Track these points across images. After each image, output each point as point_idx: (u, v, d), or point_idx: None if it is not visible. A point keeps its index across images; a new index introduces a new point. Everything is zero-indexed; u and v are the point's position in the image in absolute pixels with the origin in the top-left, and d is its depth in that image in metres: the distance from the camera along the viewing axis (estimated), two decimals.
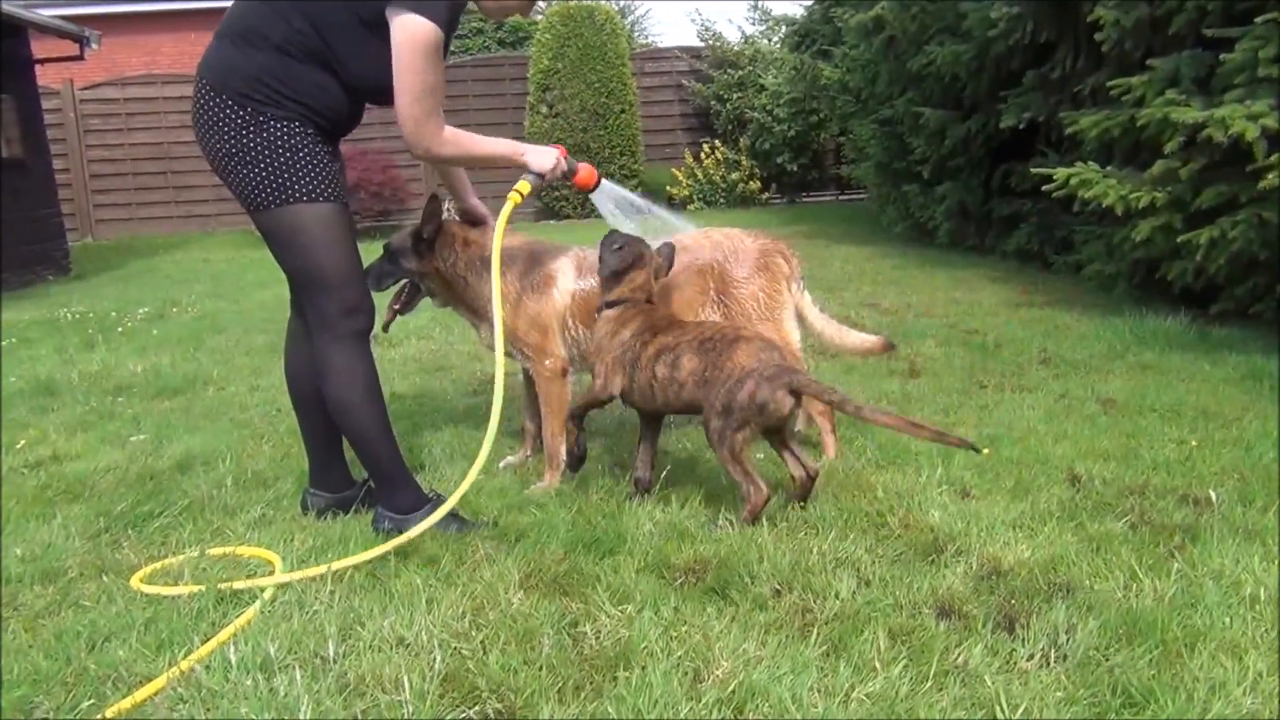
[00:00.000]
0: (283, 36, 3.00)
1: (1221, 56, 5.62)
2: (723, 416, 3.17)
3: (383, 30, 2.95)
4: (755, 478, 3.18)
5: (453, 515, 3.31)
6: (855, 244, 11.26)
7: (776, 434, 3.31)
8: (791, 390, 3.17)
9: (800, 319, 3.89)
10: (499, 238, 3.40)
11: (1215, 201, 5.69)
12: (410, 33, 2.92)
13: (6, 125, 12.66)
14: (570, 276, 3.74)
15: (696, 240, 3.85)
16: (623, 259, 3.49)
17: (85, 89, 17.88)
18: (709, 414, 3.21)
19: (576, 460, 3.55)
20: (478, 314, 3.76)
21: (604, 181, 3.62)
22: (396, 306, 3.81)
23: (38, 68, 14.01)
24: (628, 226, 3.68)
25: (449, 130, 3.13)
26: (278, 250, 3.18)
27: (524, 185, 3.46)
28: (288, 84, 3.02)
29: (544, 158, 3.43)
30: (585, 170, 3.54)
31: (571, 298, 3.72)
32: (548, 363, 3.73)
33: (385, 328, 3.71)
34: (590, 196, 3.67)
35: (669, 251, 3.59)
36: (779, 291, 3.79)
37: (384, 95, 3.07)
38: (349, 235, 3.21)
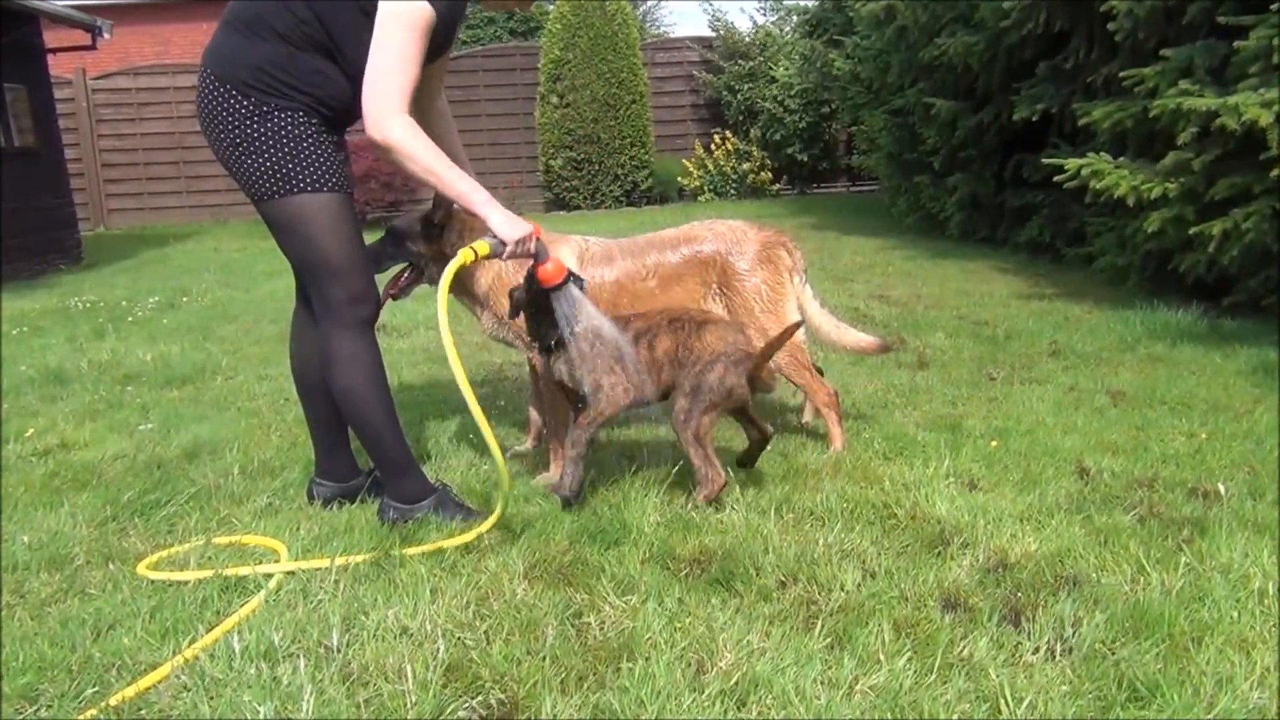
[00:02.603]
0: (287, 26, 3.00)
1: (1235, 44, 5.57)
2: (690, 398, 3.22)
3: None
4: (715, 461, 3.22)
5: (459, 505, 3.31)
6: (866, 235, 11.22)
7: (740, 411, 3.39)
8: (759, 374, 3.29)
9: (800, 313, 3.87)
10: (443, 295, 3.01)
11: (1228, 193, 5.65)
12: (396, 10, 2.90)
13: (19, 114, 12.71)
14: (572, 265, 3.73)
15: (699, 232, 3.83)
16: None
17: (97, 78, 17.93)
18: (678, 394, 3.26)
19: (577, 494, 3.29)
20: (478, 300, 3.74)
21: (570, 286, 3.19)
22: (392, 291, 3.78)
23: (50, 57, 14.06)
24: (567, 333, 3.26)
25: (417, 132, 2.96)
26: (283, 240, 3.19)
27: (482, 246, 3.09)
28: (292, 74, 3.02)
29: (513, 227, 3.06)
30: (555, 264, 3.16)
31: None
32: None
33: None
34: (550, 294, 3.20)
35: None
36: (781, 284, 3.77)
37: None
38: (353, 225, 3.20)
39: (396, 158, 2.98)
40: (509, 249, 3.08)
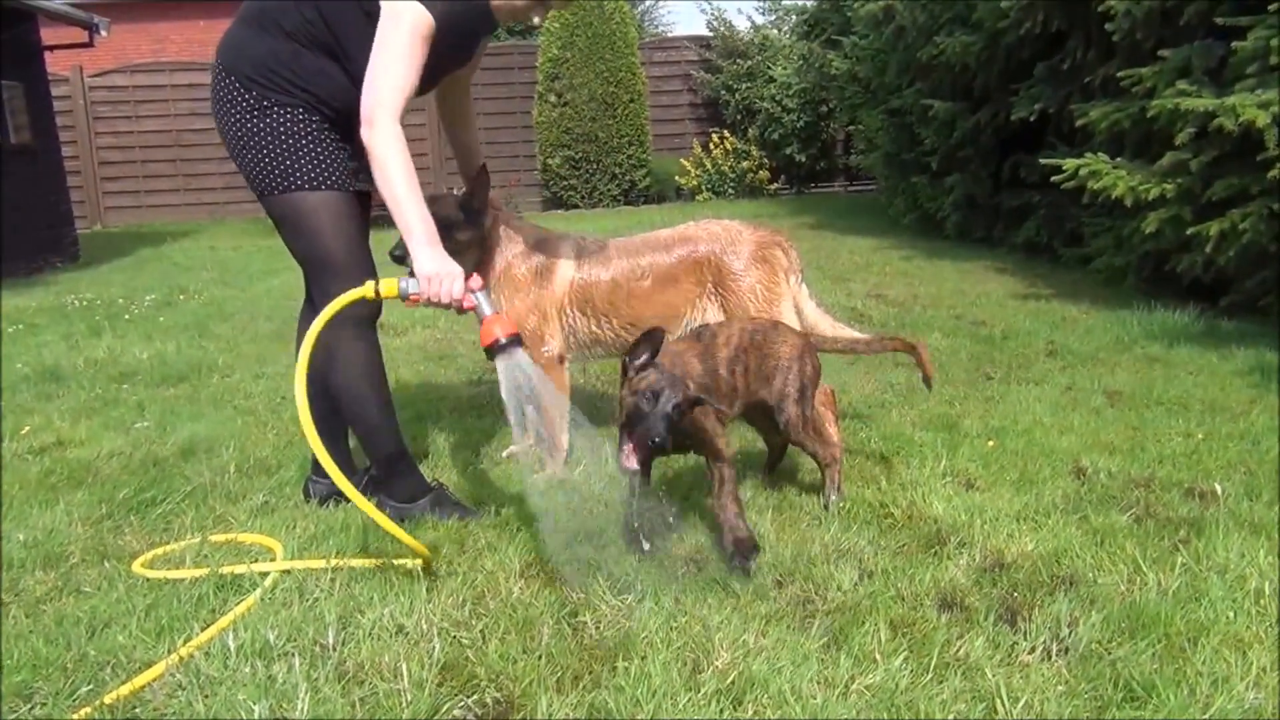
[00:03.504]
0: (293, 24, 3.02)
1: (1233, 45, 5.57)
2: (799, 402, 3.18)
3: None
4: (830, 439, 3.34)
5: (455, 504, 3.31)
6: (863, 235, 11.21)
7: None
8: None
9: (796, 313, 3.87)
10: (310, 339, 2.75)
11: (1225, 193, 5.66)
12: (397, 8, 2.89)
13: (16, 112, 12.67)
14: (571, 264, 3.73)
15: (694, 232, 3.83)
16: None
17: (94, 76, 17.88)
18: (784, 403, 3.17)
19: (751, 549, 2.80)
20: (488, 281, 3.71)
21: (519, 353, 2.81)
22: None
23: (47, 54, 14.01)
24: (510, 406, 2.89)
25: (401, 148, 2.83)
26: (285, 236, 3.19)
27: (389, 287, 2.82)
28: (295, 71, 3.03)
29: (433, 267, 2.79)
30: (502, 326, 2.79)
31: (571, 285, 3.71)
32: (545, 349, 3.72)
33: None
34: (494, 360, 2.85)
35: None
36: (777, 284, 3.76)
37: None
38: (357, 222, 3.19)
39: (373, 164, 2.87)
40: (422, 290, 2.82)
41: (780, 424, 3.21)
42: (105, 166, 18.05)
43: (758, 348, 3.15)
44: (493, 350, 2.80)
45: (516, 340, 2.81)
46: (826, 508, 3.18)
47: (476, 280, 2.90)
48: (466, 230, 3.59)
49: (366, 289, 2.83)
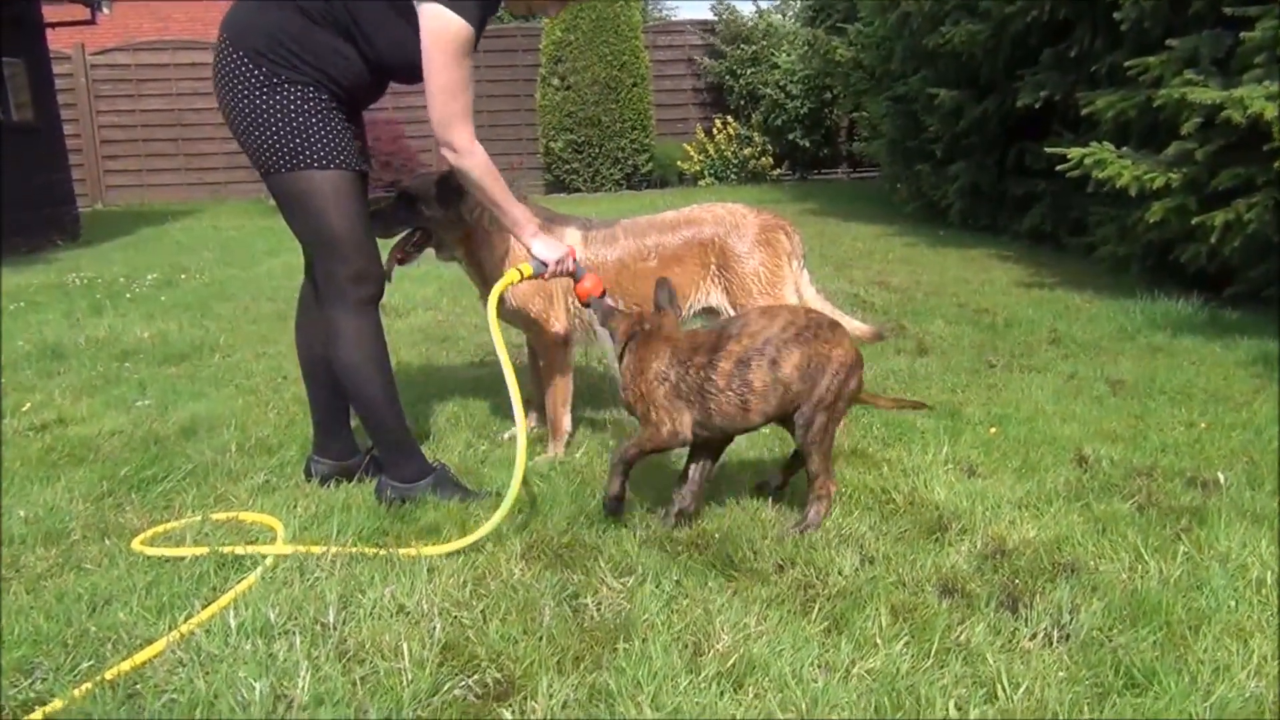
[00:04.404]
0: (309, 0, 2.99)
1: (1241, 35, 5.55)
2: (829, 410, 2.92)
3: (411, 16, 2.94)
4: (833, 473, 3.02)
5: (457, 485, 3.31)
6: (866, 222, 11.19)
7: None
8: None
9: (797, 297, 3.86)
10: (493, 315, 3.20)
11: (1231, 183, 5.64)
12: (438, 28, 2.90)
13: (17, 89, 12.63)
14: (577, 245, 3.71)
15: (698, 214, 3.82)
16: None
17: (96, 54, 17.82)
18: (812, 409, 2.91)
19: (616, 502, 3.00)
20: (484, 270, 3.71)
21: (606, 299, 3.29)
22: (399, 255, 3.73)
23: (49, 31, 13.96)
24: (609, 355, 3.42)
25: (483, 156, 3.07)
26: (288, 215, 3.18)
27: (527, 268, 3.26)
28: (306, 47, 3.00)
29: (550, 250, 3.24)
30: (592, 280, 3.30)
31: None
32: (550, 331, 3.71)
33: (387, 276, 3.53)
34: (588, 306, 3.34)
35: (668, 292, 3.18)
36: (780, 267, 3.75)
37: (405, 74, 3.09)
38: (361, 202, 3.18)
39: (470, 185, 3.15)
40: (550, 269, 3.24)
41: (798, 426, 2.95)
42: (107, 145, 18.02)
43: (816, 345, 2.92)
44: (589, 303, 3.30)
45: (605, 294, 3.30)
46: (801, 530, 2.90)
47: (573, 250, 3.34)
48: (437, 208, 3.60)
49: (513, 274, 3.22)
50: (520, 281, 3.27)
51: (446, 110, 2.97)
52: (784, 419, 2.99)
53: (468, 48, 2.95)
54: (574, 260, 3.29)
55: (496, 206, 3.17)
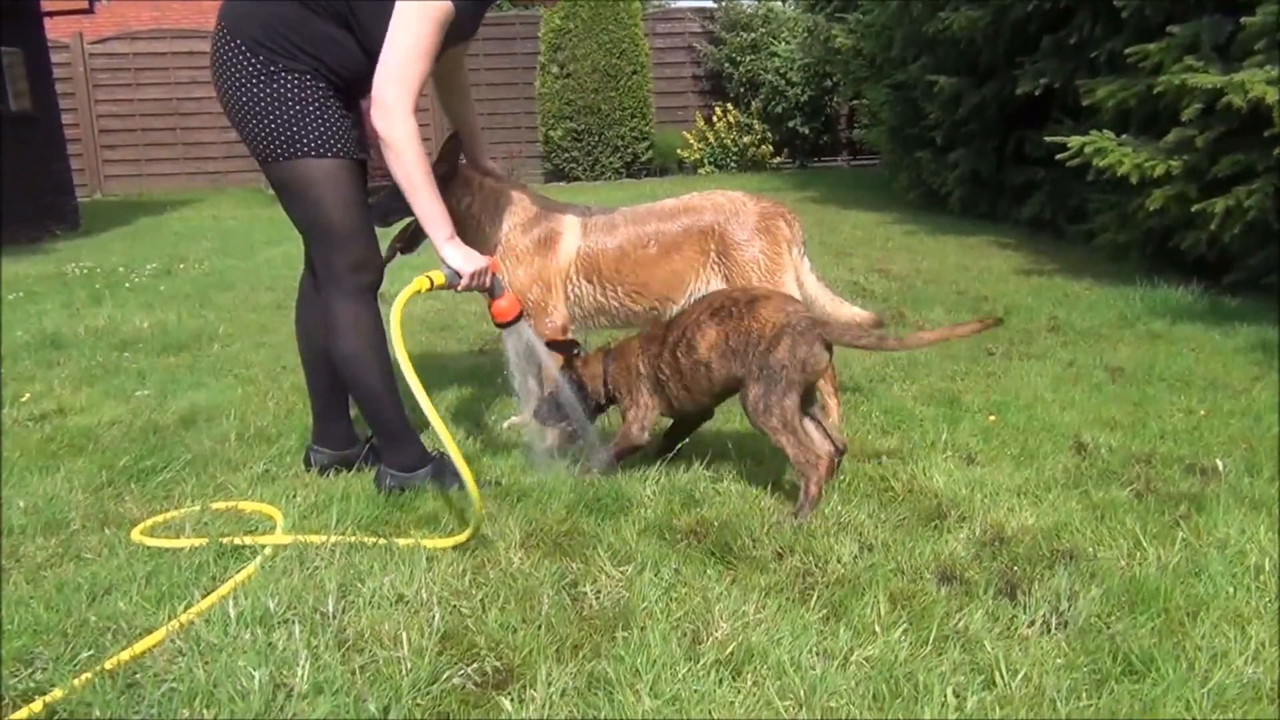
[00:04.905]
0: None
1: (1242, 20, 5.53)
2: (763, 383, 2.94)
3: None
4: (810, 445, 2.95)
5: (456, 474, 3.30)
6: (866, 209, 11.18)
7: (803, 402, 3.03)
8: (825, 344, 2.97)
9: (797, 285, 3.86)
10: (396, 317, 2.97)
11: (1231, 170, 5.63)
12: None
13: (15, 79, 12.59)
14: (575, 234, 3.71)
15: (698, 202, 3.81)
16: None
17: (94, 43, 17.77)
18: (747, 383, 2.97)
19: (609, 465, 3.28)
20: None
21: (522, 322, 3.22)
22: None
23: (47, 20, 13.91)
24: (516, 379, 3.44)
25: (413, 129, 2.92)
26: (286, 203, 3.17)
27: (438, 276, 3.06)
28: (303, 36, 2.99)
29: (464, 261, 3.04)
30: (509, 300, 3.16)
31: (576, 254, 3.69)
32: (549, 320, 3.71)
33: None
34: (502, 332, 3.28)
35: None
36: (780, 255, 3.75)
37: None
38: (359, 191, 3.17)
39: (389, 154, 2.93)
40: (464, 281, 3.05)
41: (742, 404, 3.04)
42: (105, 134, 17.98)
43: (731, 322, 3.01)
44: (507, 325, 3.15)
45: (520, 315, 3.16)
46: (796, 516, 2.89)
47: (494, 263, 3.16)
48: None
49: (421, 281, 3.03)
50: (431, 290, 3.07)
51: (399, 69, 2.88)
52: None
53: (444, 21, 2.89)
54: (493, 276, 3.12)
55: (411, 192, 2.97)
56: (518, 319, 3.17)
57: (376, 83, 2.91)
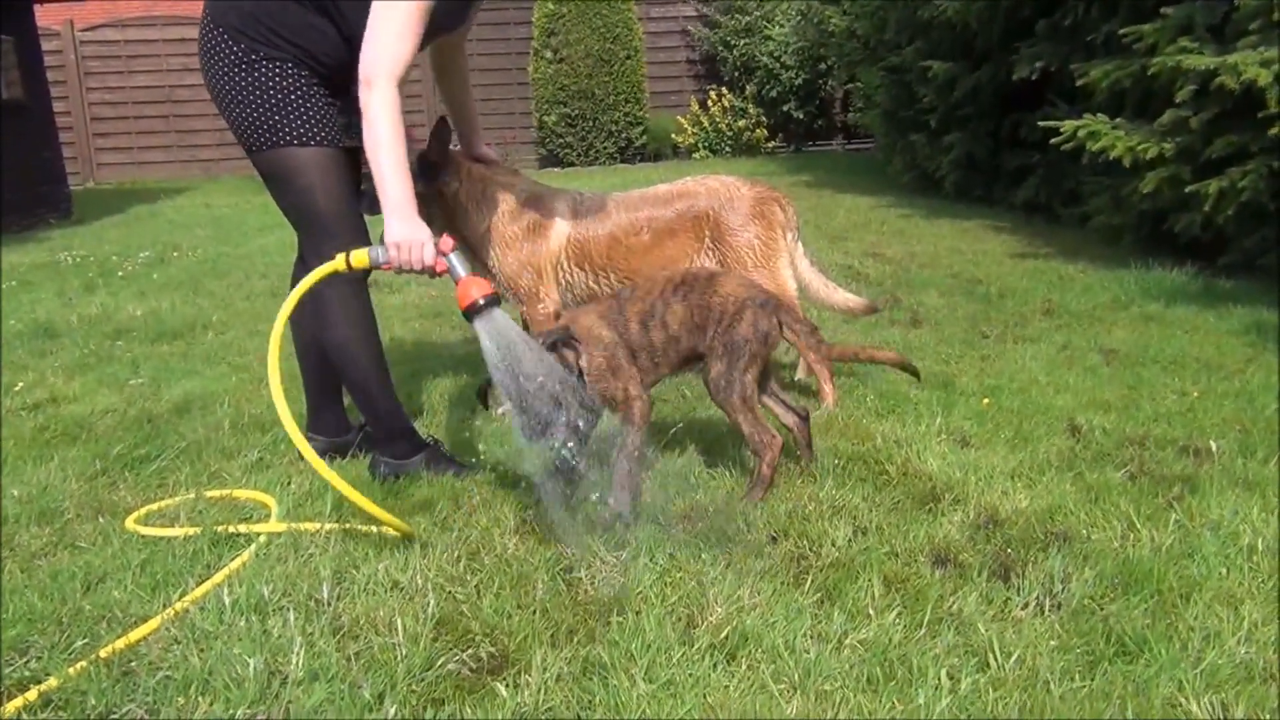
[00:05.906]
0: None
1: (1236, 2, 5.52)
2: (726, 359, 2.92)
3: None
4: (766, 425, 2.96)
5: (450, 461, 3.31)
6: (861, 193, 11.16)
7: (761, 378, 3.05)
8: (780, 318, 3.00)
9: (791, 270, 3.86)
10: (288, 307, 2.82)
11: (1225, 152, 5.62)
12: None
13: (7, 67, 12.53)
14: (566, 220, 3.70)
15: (692, 188, 3.80)
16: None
17: (85, 30, 17.67)
18: (709, 360, 2.96)
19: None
20: (472, 247, 3.70)
21: (497, 311, 2.71)
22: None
23: (37, 8, 13.83)
24: (496, 375, 2.75)
25: (396, 103, 2.78)
26: (274, 192, 3.17)
27: (360, 256, 2.75)
28: (284, 24, 2.98)
29: (403, 234, 2.72)
30: (474, 283, 2.70)
31: (567, 240, 3.68)
32: (540, 307, 3.71)
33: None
34: (472, 323, 2.74)
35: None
36: (774, 239, 3.75)
37: None
38: (345, 179, 3.16)
39: (364, 123, 2.79)
40: (392, 255, 2.74)
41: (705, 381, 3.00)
42: (97, 122, 17.91)
43: (695, 298, 2.98)
44: (470, 312, 2.70)
45: (495, 300, 2.71)
46: (747, 497, 2.92)
47: (447, 242, 2.79)
48: (419, 183, 3.54)
49: (339, 262, 2.76)
50: (346, 271, 2.78)
51: (383, 52, 2.77)
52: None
53: (420, 13, 2.82)
54: (448, 258, 2.76)
55: (376, 163, 2.77)
56: (488, 305, 2.69)
57: (363, 55, 2.81)
